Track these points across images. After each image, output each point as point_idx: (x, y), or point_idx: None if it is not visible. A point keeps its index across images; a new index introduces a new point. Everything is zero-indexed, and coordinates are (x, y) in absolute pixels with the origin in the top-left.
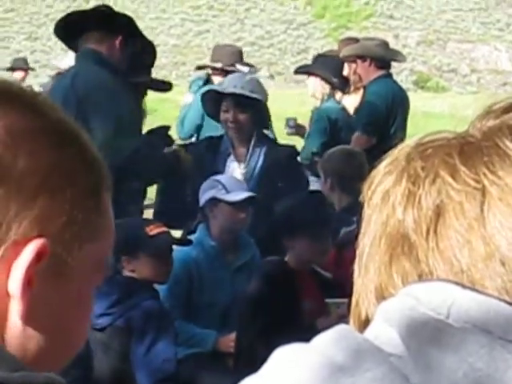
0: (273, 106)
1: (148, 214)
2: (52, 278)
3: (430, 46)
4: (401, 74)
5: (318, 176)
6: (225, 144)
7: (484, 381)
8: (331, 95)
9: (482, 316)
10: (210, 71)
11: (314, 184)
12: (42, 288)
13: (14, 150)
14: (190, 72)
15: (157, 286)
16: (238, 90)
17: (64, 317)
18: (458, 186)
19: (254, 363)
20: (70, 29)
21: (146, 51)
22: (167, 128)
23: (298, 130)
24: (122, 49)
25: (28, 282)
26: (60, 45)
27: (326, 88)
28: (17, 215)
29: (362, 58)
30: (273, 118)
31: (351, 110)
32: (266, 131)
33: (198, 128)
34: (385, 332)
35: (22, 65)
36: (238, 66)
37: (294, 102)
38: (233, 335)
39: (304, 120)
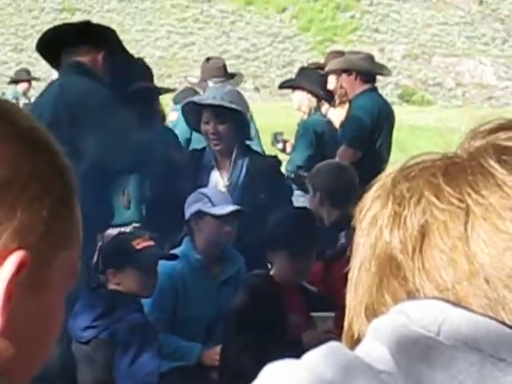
0: (258, 118)
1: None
2: (29, 289)
3: (415, 59)
4: (386, 87)
5: (303, 190)
6: (207, 156)
7: None
8: (317, 108)
9: (473, 334)
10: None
11: (299, 198)
12: (19, 299)
13: (4, 165)
14: (175, 84)
15: (142, 300)
16: (217, 101)
17: (39, 326)
18: (442, 206)
19: (239, 377)
20: (53, 44)
21: (131, 66)
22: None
23: (286, 145)
24: (105, 63)
25: (8, 296)
26: None
27: (313, 101)
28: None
29: (348, 71)
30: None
31: (337, 124)
32: (248, 142)
33: (187, 142)
34: (375, 349)
35: (24, 76)
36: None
37: (279, 115)
38: (218, 348)
39: (290, 133)
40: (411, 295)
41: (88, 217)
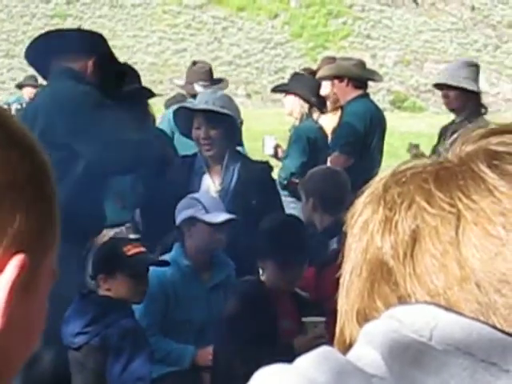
0: (250, 125)
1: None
2: (24, 290)
3: (407, 66)
4: (378, 93)
5: (295, 197)
6: (199, 162)
7: None
8: (309, 114)
9: (465, 338)
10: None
11: (290, 205)
12: (16, 301)
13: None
14: (167, 90)
15: (133, 305)
16: (208, 106)
17: (30, 325)
18: (433, 211)
19: (231, 382)
20: (43, 50)
21: (120, 72)
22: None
23: (277, 150)
24: (95, 69)
25: (10, 299)
26: None
27: (305, 107)
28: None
29: (339, 77)
30: (250, 137)
31: (328, 130)
32: (238, 148)
33: None
34: (367, 354)
35: (32, 82)
36: (196, 86)
37: (271, 121)
38: (210, 348)
39: (282, 139)
40: (402, 300)
41: (82, 221)
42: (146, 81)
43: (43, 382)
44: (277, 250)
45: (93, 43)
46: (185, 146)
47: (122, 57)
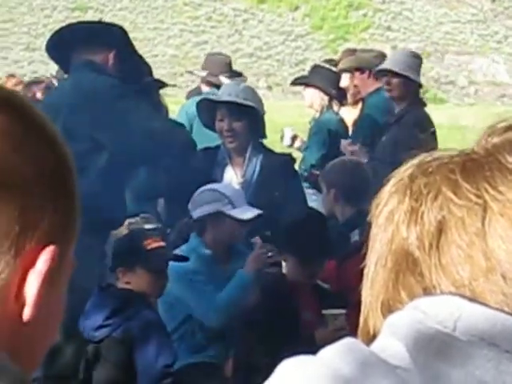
0: (271, 117)
1: None
2: (49, 284)
3: (427, 57)
4: None
5: (315, 188)
6: (221, 154)
7: None
8: (329, 107)
9: (489, 329)
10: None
11: (311, 197)
12: (45, 291)
13: (21, 155)
14: (187, 83)
15: None
16: (232, 98)
17: (54, 314)
18: (459, 202)
19: (252, 373)
20: (63, 43)
21: (140, 64)
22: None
23: (294, 141)
24: (116, 62)
25: (43, 290)
26: None
27: (325, 99)
28: (33, 222)
29: (360, 69)
30: (271, 129)
31: (349, 122)
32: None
33: None
34: (391, 345)
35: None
36: (221, 78)
37: (292, 113)
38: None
39: (303, 131)
40: (428, 292)
41: (104, 212)
42: (167, 73)
43: (64, 375)
44: (298, 244)
45: (114, 36)
46: (206, 138)
47: (143, 49)
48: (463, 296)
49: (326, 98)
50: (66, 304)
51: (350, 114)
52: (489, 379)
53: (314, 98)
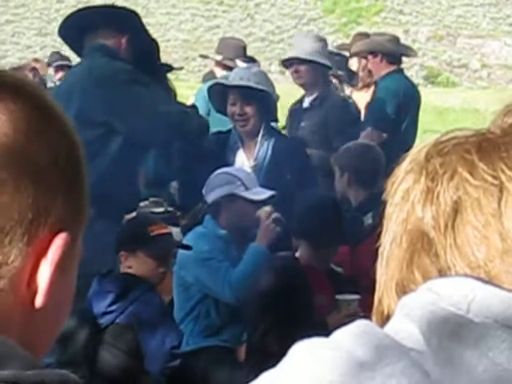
0: (283, 101)
1: None
2: (62, 270)
3: (440, 41)
4: (411, 69)
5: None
6: (233, 138)
7: (504, 375)
8: (341, 90)
9: (503, 311)
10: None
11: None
12: (57, 278)
13: (36, 143)
14: (200, 67)
15: None
16: (244, 82)
17: (61, 305)
18: (475, 182)
19: (264, 357)
20: (76, 27)
21: (153, 49)
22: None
23: None
24: (129, 46)
25: (55, 277)
26: None
27: (335, 83)
28: (45, 210)
29: (373, 53)
30: (283, 114)
31: (361, 106)
32: (272, 124)
33: None
34: (405, 327)
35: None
36: (238, 62)
37: None
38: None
39: None
40: (442, 273)
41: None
42: (179, 57)
43: (76, 361)
44: (311, 230)
45: (126, 20)
46: (223, 122)
47: (155, 34)
48: (477, 278)
49: (336, 82)
50: (76, 290)
51: (361, 98)
52: (503, 360)
53: None
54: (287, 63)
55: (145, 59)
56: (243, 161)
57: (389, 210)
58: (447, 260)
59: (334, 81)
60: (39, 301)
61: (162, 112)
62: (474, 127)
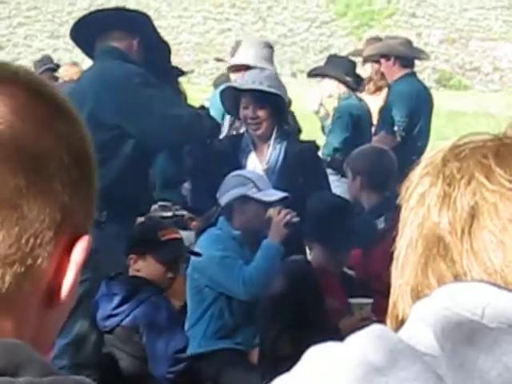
0: (295, 104)
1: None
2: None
3: (452, 44)
4: (423, 72)
5: (339, 173)
6: (245, 141)
7: None
8: (351, 94)
9: None
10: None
11: (335, 183)
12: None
13: (52, 135)
14: (212, 70)
15: None
16: (256, 86)
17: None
18: (492, 187)
19: (277, 361)
20: (87, 30)
21: (164, 51)
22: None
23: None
24: (140, 49)
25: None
26: None
27: (342, 89)
28: (71, 211)
29: (386, 56)
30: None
31: (375, 109)
32: (286, 127)
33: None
34: (419, 332)
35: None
36: None
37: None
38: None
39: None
40: (458, 278)
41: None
42: (191, 60)
43: (87, 364)
44: (324, 233)
45: (138, 22)
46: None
47: (166, 37)
48: (492, 283)
49: (344, 88)
50: (89, 292)
51: (374, 102)
52: None
53: (331, 89)
54: (234, 69)
55: (156, 61)
56: (255, 164)
57: (404, 214)
58: (463, 265)
59: (341, 87)
60: (60, 301)
61: (173, 115)
62: (486, 130)
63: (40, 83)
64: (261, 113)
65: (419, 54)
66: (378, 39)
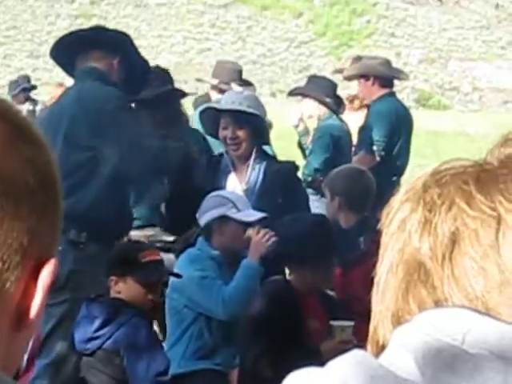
0: (275, 124)
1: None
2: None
3: (431, 64)
4: (402, 92)
5: (318, 193)
6: (225, 161)
7: None
8: (331, 114)
9: (498, 342)
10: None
11: (314, 203)
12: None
13: (18, 160)
14: (192, 90)
15: None
16: (235, 106)
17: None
18: (473, 214)
19: (257, 381)
20: (67, 50)
21: (145, 71)
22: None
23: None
24: (120, 68)
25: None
26: None
27: (322, 109)
28: (38, 235)
29: (365, 77)
30: (274, 136)
31: (355, 129)
32: (265, 147)
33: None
34: (400, 358)
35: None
36: (233, 86)
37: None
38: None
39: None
40: (439, 304)
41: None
42: None
43: None
44: (305, 254)
45: (117, 42)
46: (218, 147)
47: (146, 56)
48: (473, 309)
49: (323, 108)
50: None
51: (358, 118)
52: None
53: (311, 109)
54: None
55: (136, 81)
56: (235, 184)
57: (384, 239)
58: (444, 291)
59: (321, 107)
60: (28, 323)
61: (144, 146)
62: (465, 149)
63: (5, 107)
64: (240, 133)
65: (398, 74)
66: (360, 59)
